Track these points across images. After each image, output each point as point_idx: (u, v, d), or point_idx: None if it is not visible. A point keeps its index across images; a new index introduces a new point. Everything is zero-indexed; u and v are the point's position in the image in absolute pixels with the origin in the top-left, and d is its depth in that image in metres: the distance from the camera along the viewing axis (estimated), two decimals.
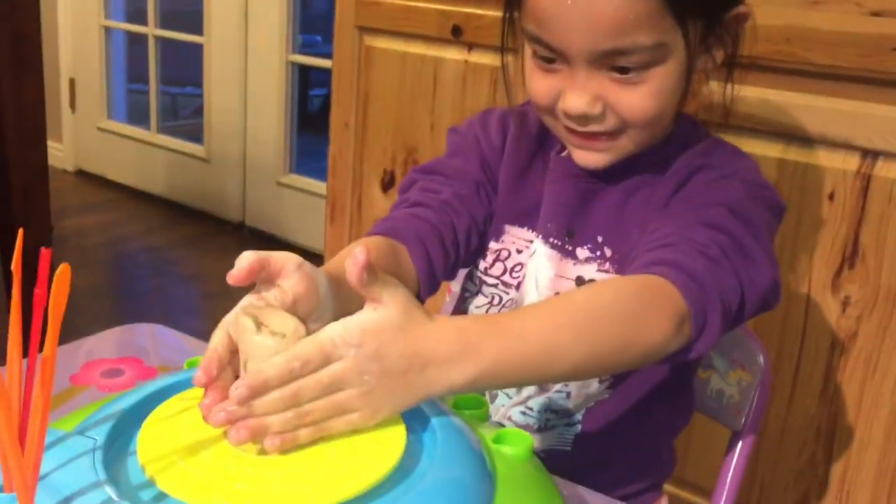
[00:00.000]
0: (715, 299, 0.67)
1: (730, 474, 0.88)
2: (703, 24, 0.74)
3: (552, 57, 0.73)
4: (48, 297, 0.42)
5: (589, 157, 0.77)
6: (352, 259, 0.51)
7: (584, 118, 0.73)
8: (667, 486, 0.94)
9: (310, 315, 0.56)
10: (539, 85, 0.76)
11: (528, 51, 0.77)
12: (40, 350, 0.46)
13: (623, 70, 0.71)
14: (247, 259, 0.54)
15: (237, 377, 0.53)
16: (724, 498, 0.88)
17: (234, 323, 0.53)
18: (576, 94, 0.72)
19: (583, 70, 0.72)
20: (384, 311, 0.52)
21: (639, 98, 0.72)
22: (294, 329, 0.53)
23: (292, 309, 0.56)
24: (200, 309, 2.45)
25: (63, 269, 0.39)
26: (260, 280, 0.56)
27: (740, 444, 0.89)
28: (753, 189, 0.76)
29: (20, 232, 0.43)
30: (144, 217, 3.28)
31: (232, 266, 0.54)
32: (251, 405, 0.50)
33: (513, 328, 0.57)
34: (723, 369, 0.91)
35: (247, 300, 0.56)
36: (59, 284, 0.39)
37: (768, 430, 1.24)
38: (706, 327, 0.67)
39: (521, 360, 0.57)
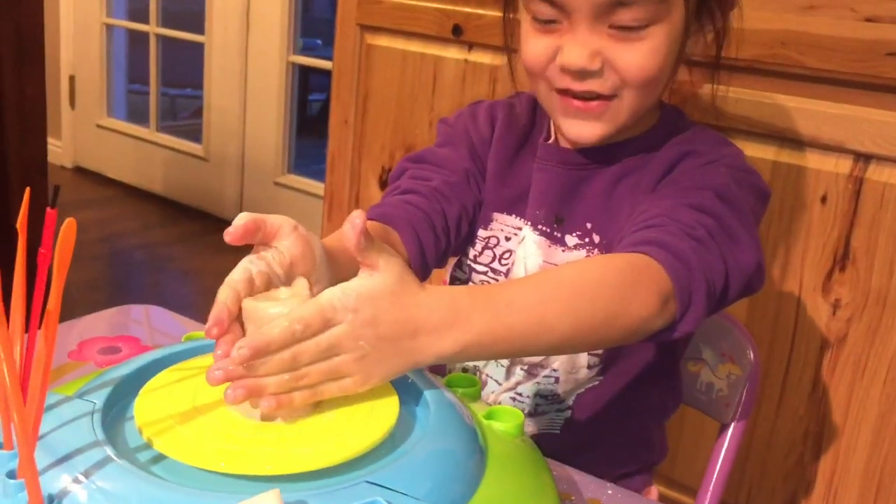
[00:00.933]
0: (700, 279, 0.68)
1: (717, 467, 0.89)
2: None
3: (552, 17, 0.74)
4: (52, 257, 0.43)
5: (583, 129, 0.77)
6: (350, 223, 0.51)
7: (582, 73, 0.74)
8: (656, 485, 0.95)
9: (308, 277, 0.57)
10: (536, 45, 0.76)
11: (525, 19, 0.77)
12: (42, 314, 0.47)
13: (623, 28, 0.72)
14: (243, 218, 0.55)
15: (245, 334, 0.54)
16: (710, 489, 0.89)
17: (243, 280, 0.54)
18: (576, 48, 0.73)
19: (583, 25, 0.73)
20: (380, 277, 0.53)
21: (638, 55, 0.73)
22: (302, 286, 0.54)
23: (290, 270, 0.57)
24: (196, 304, 2.46)
25: (69, 223, 0.40)
26: (257, 241, 0.57)
27: (729, 435, 0.90)
28: (739, 174, 0.77)
29: (27, 191, 0.44)
30: (142, 214, 3.29)
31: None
32: (251, 365, 0.51)
33: (502, 299, 0.58)
34: (713, 362, 0.93)
35: (247, 260, 0.57)
36: (65, 237, 0.40)
37: (757, 431, 1.25)
38: (691, 306, 0.67)
39: (509, 331, 0.57)
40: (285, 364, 0.51)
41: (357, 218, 0.51)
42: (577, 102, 0.76)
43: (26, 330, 0.49)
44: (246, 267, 0.56)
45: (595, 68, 0.73)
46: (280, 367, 0.51)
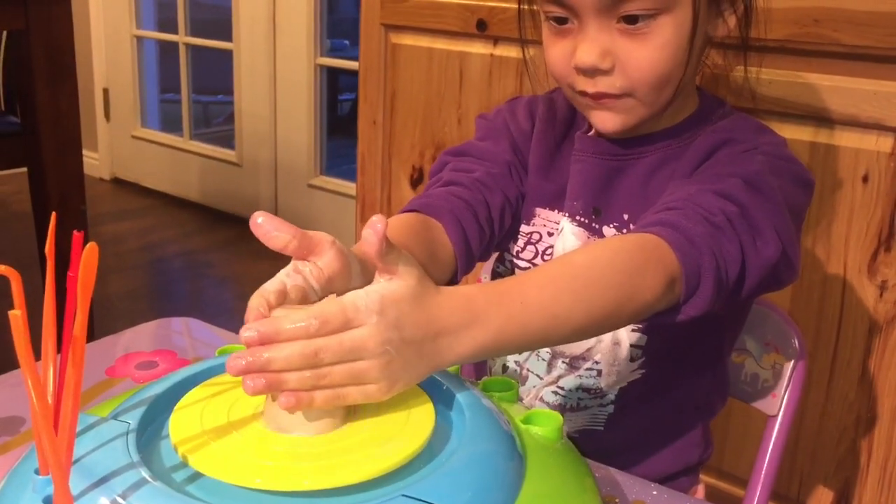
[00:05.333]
0: (710, 263, 0.66)
1: (766, 458, 0.87)
2: None
3: (563, 16, 0.75)
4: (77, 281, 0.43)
5: (606, 119, 0.78)
6: (371, 228, 0.50)
7: (593, 71, 0.74)
8: (703, 477, 0.93)
9: (344, 293, 0.56)
10: (554, 51, 0.77)
11: (544, 22, 0.78)
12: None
13: (631, 20, 0.72)
14: (285, 230, 0.54)
15: None
16: (760, 483, 0.87)
17: (276, 292, 0.53)
18: (586, 47, 0.74)
19: (593, 23, 0.73)
20: (401, 281, 0.52)
21: (648, 52, 0.73)
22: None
23: (328, 286, 0.56)
24: (235, 310, 2.48)
25: (90, 248, 0.40)
26: (294, 254, 0.56)
27: (777, 427, 0.87)
28: (777, 163, 0.75)
29: (53, 215, 0.44)
30: (179, 222, 3.33)
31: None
32: (270, 359, 0.49)
33: (516, 297, 0.57)
34: (757, 353, 0.90)
35: (283, 272, 0.56)
36: (88, 262, 0.39)
37: (806, 418, 1.22)
38: (698, 290, 0.66)
39: (524, 328, 0.57)
40: (308, 358, 0.49)
41: (379, 223, 0.50)
42: (593, 99, 0.77)
43: (59, 351, 0.49)
44: (282, 279, 0.55)
45: (606, 67, 0.74)
46: (302, 361, 0.49)
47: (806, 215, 0.80)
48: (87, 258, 0.39)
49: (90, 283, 0.40)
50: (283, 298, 0.54)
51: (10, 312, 0.39)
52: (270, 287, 0.54)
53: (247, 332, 0.49)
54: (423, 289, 0.53)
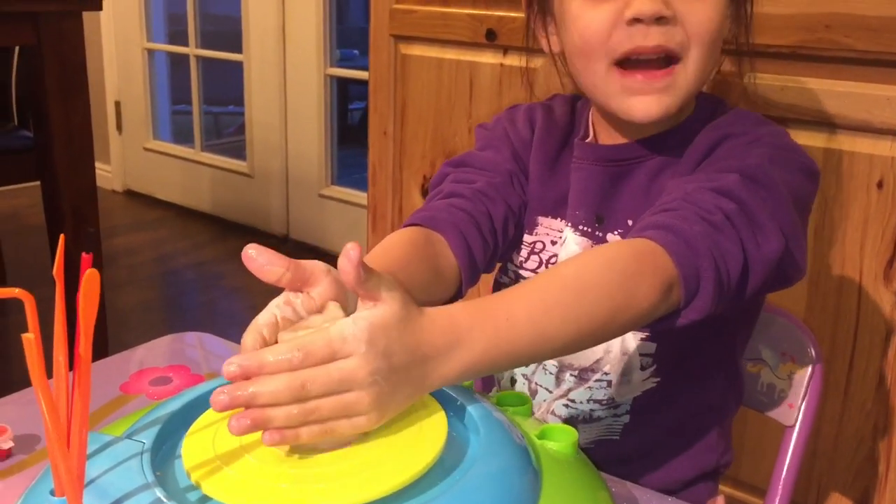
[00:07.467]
0: (709, 264, 0.65)
1: (784, 469, 0.86)
2: None
3: None
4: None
5: (650, 105, 0.74)
6: (345, 257, 0.49)
7: (657, 18, 0.71)
8: (722, 486, 0.92)
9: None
10: (593, 15, 0.74)
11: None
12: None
13: None
14: (278, 262, 0.53)
15: None
16: (779, 495, 0.86)
17: (268, 325, 0.53)
18: None
19: None
20: (386, 307, 0.51)
21: (704, 7, 0.73)
22: (334, 310, 0.52)
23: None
24: (247, 321, 2.47)
25: (91, 274, 0.39)
26: (289, 286, 0.55)
27: (794, 438, 0.87)
28: (780, 153, 0.73)
29: (61, 238, 0.44)
30: (191, 233, 3.34)
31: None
32: (255, 393, 0.48)
33: (501, 314, 0.56)
34: (773, 363, 0.90)
35: (274, 304, 0.55)
36: (88, 288, 0.39)
37: (823, 427, 1.21)
38: (699, 293, 0.65)
39: (512, 346, 0.55)
40: (294, 392, 0.48)
41: (352, 251, 0.49)
42: (640, 76, 0.74)
43: (71, 368, 0.49)
44: (273, 312, 0.54)
45: (669, 14, 0.72)
46: (289, 394, 0.48)
47: (813, 205, 0.78)
48: (88, 283, 0.39)
49: (93, 307, 0.40)
50: (276, 331, 0.53)
51: (24, 336, 0.39)
52: (262, 321, 0.53)
53: (230, 366, 0.48)
54: (408, 312, 0.51)
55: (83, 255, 0.43)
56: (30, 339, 0.38)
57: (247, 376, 0.49)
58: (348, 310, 0.55)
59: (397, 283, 0.52)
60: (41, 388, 0.41)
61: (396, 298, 0.51)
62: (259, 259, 0.53)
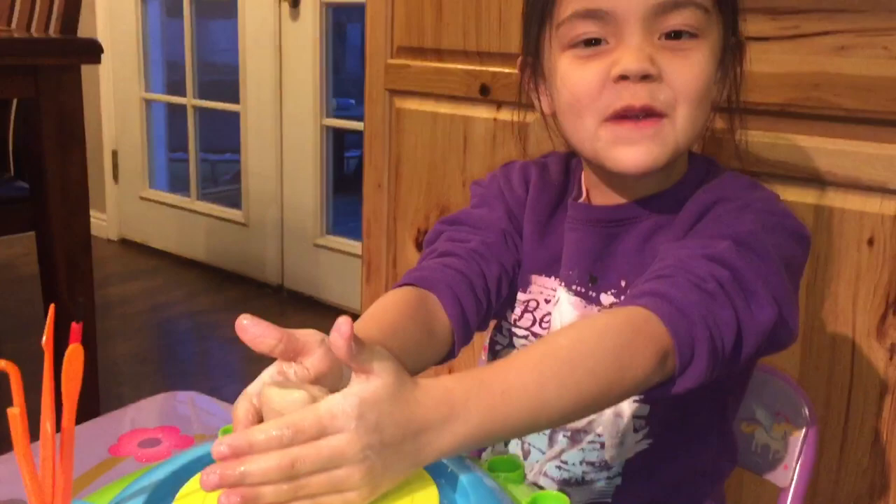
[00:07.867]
0: (703, 334, 0.65)
1: None
2: (725, 22, 0.77)
3: (598, 36, 0.74)
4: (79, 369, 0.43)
5: (637, 154, 0.74)
6: (336, 332, 0.49)
7: (643, 76, 0.72)
8: None
9: (335, 390, 0.56)
10: (582, 73, 0.75)
11: (562, 58, 0.77)
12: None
13: (673, 35, 0.73)
14: (273, 335, 0.53)
15: None
16: None
17: (259, 394, 0.53)
18: (632, 54, 0.72)
19: (636, 35, 0.72)
20: (378, 380, 0.50)
21: (690, 66, 0.73)
22: (306, 398, 0.52)
23: (315, 385, 0.55)
24: (242, 372, 2.46)
25: (73, 350, 0.39)
26: (282, 356, 0.55)
27: (790, 500, 0.86)
28: (769, 219, 0.74)
29: (51, 308, 0.44)
30: (186, 282, 3.33)
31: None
32: (245, 473, 0.48)
33: (496, 387, 0.55)
34: (767, 423, 0.89)
35: (267, 374, 0.55)
36: (71, 363, 0.39)
37: (819, 486, 1.20)
38: (693, 361, 0.65)
39: (507, 418, 0.55)
40: (283, 470, 0.48)
41: (344, 325, 0.49)
42: (628, 124, 0.74)
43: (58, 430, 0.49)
44: (265, 381, 0.54)
45: (655, 73, 0.72)
46: (279, 473, 0.48)
47: (804, 270, 0.78)
48: (71, 359, 0.39)
49: (76, 382, 0.39)
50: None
51: (9, 410, 0.39)
52: (253, 390, 0.53)
53: (220, 447, 0.48)
54: (401, 385, 0.51)
55: (73, 325, 0.43)
56: (14, 414, 0.38)
57: (237, 456, 0.48)
58: (342, 381, 0.55)
59: (390, 355, 0.52)
60: (25, 462, 0.40)
61: (389, 371, 0.51)
62: (253, 330, 0.53)
